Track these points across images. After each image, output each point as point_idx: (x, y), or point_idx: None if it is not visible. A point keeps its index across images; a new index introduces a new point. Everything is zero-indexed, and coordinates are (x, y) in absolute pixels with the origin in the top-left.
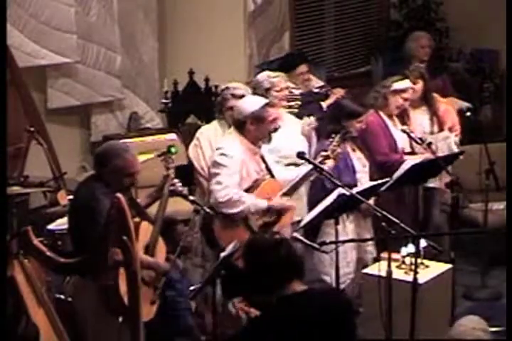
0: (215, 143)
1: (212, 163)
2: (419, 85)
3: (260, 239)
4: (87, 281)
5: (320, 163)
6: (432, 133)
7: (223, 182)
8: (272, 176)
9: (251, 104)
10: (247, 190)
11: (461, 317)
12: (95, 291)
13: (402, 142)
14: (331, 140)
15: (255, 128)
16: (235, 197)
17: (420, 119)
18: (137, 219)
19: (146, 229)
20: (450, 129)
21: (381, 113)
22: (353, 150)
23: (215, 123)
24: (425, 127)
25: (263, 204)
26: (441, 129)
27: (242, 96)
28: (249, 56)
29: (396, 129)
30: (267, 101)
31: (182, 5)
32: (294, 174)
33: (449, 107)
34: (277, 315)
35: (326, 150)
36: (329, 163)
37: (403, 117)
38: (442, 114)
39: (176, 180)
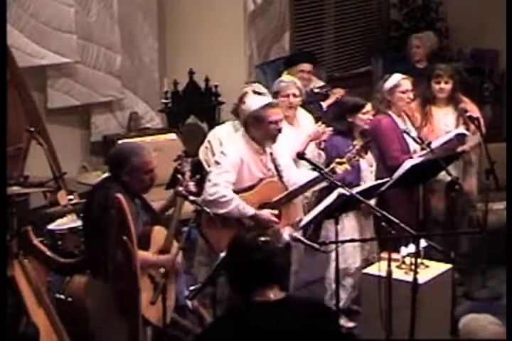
0: None
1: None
2: (450, 85)
3: (242, 237)
4: (98, 281)
5: (332, 168)
6: None
7: (212, 180)
8: (280, 178)
9: (252, 103)
10: (247, 189)
11: (465, 316)
12: (106, 291)
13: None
14: (350, 148)
15: (256, 129)
16: (222, 199)
17: (445, 119)
18: (148, 227)
19: (159, 233)
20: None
21: (392, 114)
22: None
23: (228, 124)
24: (450, 127)
25: (249, 212)
26: (466, 130)
27: (261, 94)
28: (249, 56)
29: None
30: (268, 101)
31: (182, 5)
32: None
33: (474, 107)
34: (233, 322)
35: (342, 157)
36: (343, 168)
37: (425, 115)
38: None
39: (191, 183)
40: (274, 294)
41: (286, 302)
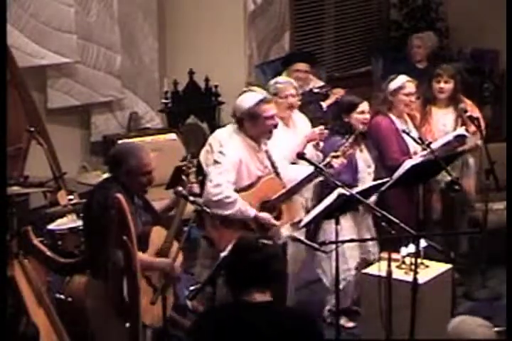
0: None
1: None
2: (450, 85)
3: (245, 238)
4: (98, 281)
5: (328, 163)
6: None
7: (213, 180)
8: (278, 174)
9: (246, 100)
10: (247, 187)
11: (454, 318)
12: (106, 291)
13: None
14: (343, 141)
15: (252, 125)
16: (227, 200)
17: (444, 119)
18: (147, 227)
19: (158, 233)
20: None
21: (392, 116)
22: (360, 150)
23: (228, 126)
24: (448, 127)
25: (250, 213)
26: (465, 130)
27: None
28: (249, 56)
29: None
30: (261, 97)
31: (182, 5)
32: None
33: (475, 108)
34: (212, 320)
35: (336, 151)
36: (339, 161)
37: (425, 115)
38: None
39: (194, 184)
40: (260, 296)
41: (270, 306)
